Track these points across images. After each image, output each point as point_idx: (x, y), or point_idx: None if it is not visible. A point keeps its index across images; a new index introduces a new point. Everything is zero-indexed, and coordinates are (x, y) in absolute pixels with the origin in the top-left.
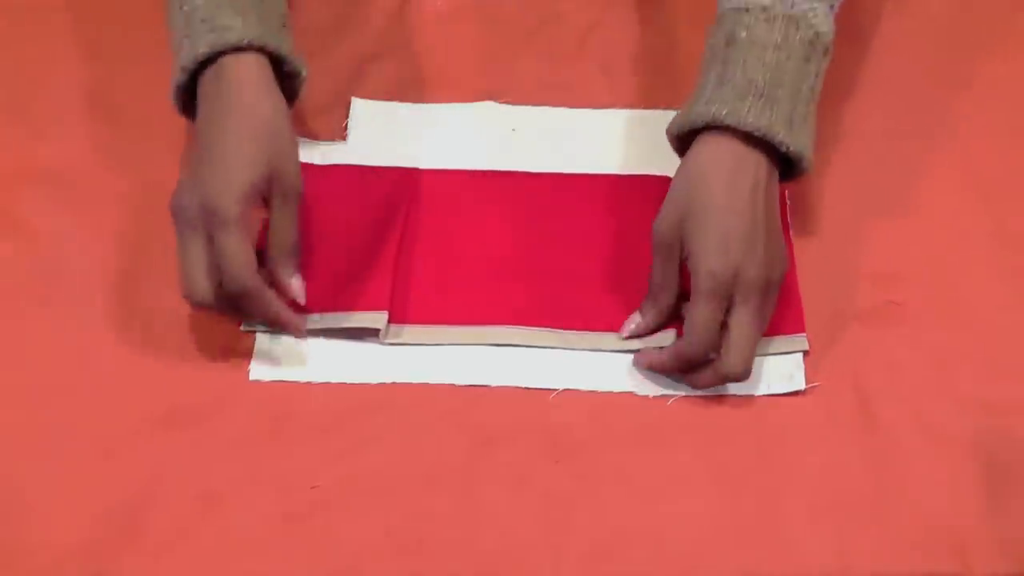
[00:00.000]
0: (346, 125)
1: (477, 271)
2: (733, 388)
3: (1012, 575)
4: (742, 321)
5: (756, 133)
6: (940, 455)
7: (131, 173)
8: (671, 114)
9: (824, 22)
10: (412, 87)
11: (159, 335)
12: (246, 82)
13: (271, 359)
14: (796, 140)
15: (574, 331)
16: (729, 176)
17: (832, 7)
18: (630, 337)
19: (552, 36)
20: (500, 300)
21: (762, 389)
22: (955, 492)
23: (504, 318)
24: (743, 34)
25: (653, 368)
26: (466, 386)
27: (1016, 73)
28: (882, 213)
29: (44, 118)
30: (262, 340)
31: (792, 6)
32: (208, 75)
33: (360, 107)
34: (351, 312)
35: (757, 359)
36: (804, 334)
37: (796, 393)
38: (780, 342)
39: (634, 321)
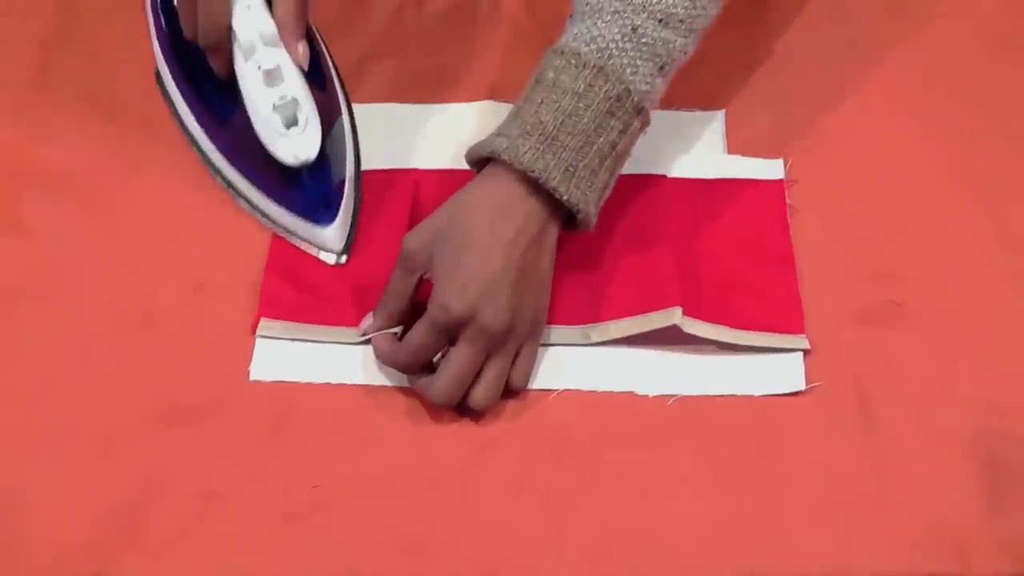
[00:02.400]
0: None
1: None
2: (733, 388)
3: (1012, 575)
4: (460, 357)
5: (529, 174)
6: (940, 455)
7: (131, 173)
8: (670, 114)
9: (642, 81)
10: (412, 87)
11: (159, 335)
12: None
13: (271, 359)
14: (573, 191)
15: (576, 326)
16: (493, 217)
17: (663, 69)
18: (364, 335)
19: (552, 36)
20: None
21: (762, 389)
22: (955, 492)
23: None
24: (550, 75)
25: (379, 352)
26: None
27: (1016, 74)
28: (882, 213)
29: (44, 118)
30: (262, 340)
31: (608, 58)
32: None
33: (359, 111)
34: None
35: (757, 359)
36: (804, 334)
37: (796, 393)
38: (780, 342)
39: (367, 321)
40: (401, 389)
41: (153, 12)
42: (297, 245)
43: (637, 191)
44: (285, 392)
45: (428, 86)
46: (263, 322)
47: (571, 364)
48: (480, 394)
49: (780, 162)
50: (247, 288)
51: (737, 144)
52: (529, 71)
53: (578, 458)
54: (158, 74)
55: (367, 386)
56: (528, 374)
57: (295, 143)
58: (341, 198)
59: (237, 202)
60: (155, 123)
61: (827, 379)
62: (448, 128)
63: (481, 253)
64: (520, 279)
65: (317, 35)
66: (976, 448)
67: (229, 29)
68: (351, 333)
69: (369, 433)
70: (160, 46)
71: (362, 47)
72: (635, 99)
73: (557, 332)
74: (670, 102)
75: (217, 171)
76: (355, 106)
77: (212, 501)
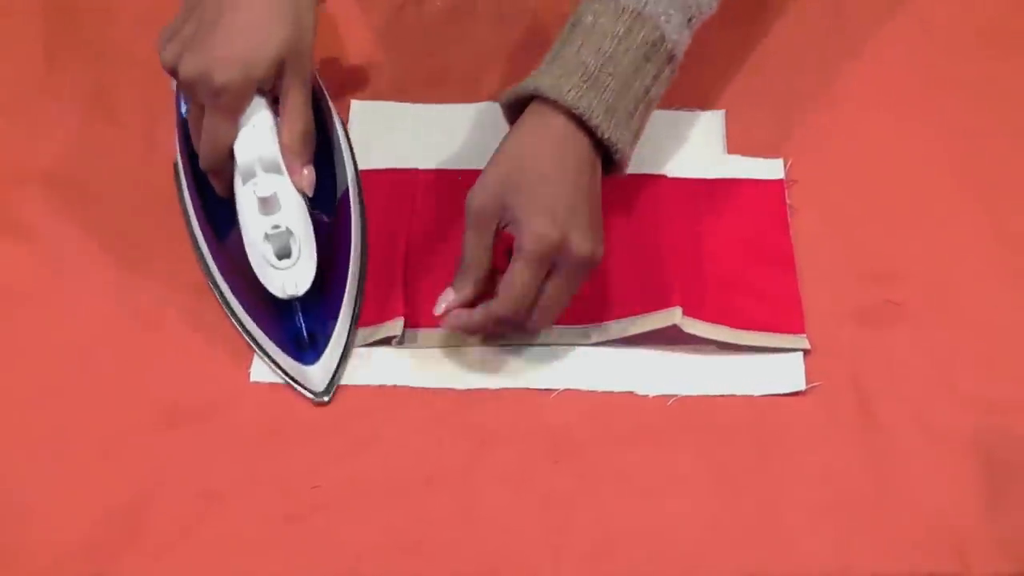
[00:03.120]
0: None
1: None
2: (733, 388)
3: (1012, 575)
4: (559, 287)
5: (574, 111)
6: (940, 455)
7: (131, 173)
8: (670, 114)
9: (675, 31)
10: (412, 87)
11: (159, 335)
12: None
13: None
14: (614, 130)
15: (576, 326)
16: (555, 149)
17: (691, 21)
18: (444, 313)
19: (552, 36)
20: None
21: (762, 389)
22: (955, 492)
23: None
24: (589, 19)
25: (464, 328)
26: (466, 387)
27: (1015, 73)
28: (882, 213)
29: (44, 118)
30: None
31: (645, 5)
32: None
33: (360, 108)
34: (371, 326)
35: (757, 359)
36: (804, 334)
37: (796, 393)
38: (780, 342)
39: (447, 297)
40: (401, 389)
41: (177, 106)
42: (280, 378)
43: (637, 191)
44: (285, 392)
45: (428, 86)
46: None
47: (571, 364)
48: (548, 315)
49: (780, 162)
50: None
51: (737, 144)
52: (529, 71)
53: (578, 458)
54: (176, 167)
55: (367, 386)
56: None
57: (285, 276)
58: (330, 337)
59: (230, 321)
60: (155, 123)
61: (827, 379)
62: (448, 128)
63: (556, 183)
64: (590, 205)
65: (332, 113)
66: (976, 448)
67: (230, 151)
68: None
69: (369, 433)
70: (180, 142)
71: (362, 47)
72: (668, 46)
73: (557, 332)
74: (670, 102)
75: (214, 284)
76: (355, 103)
77: (212, 501)
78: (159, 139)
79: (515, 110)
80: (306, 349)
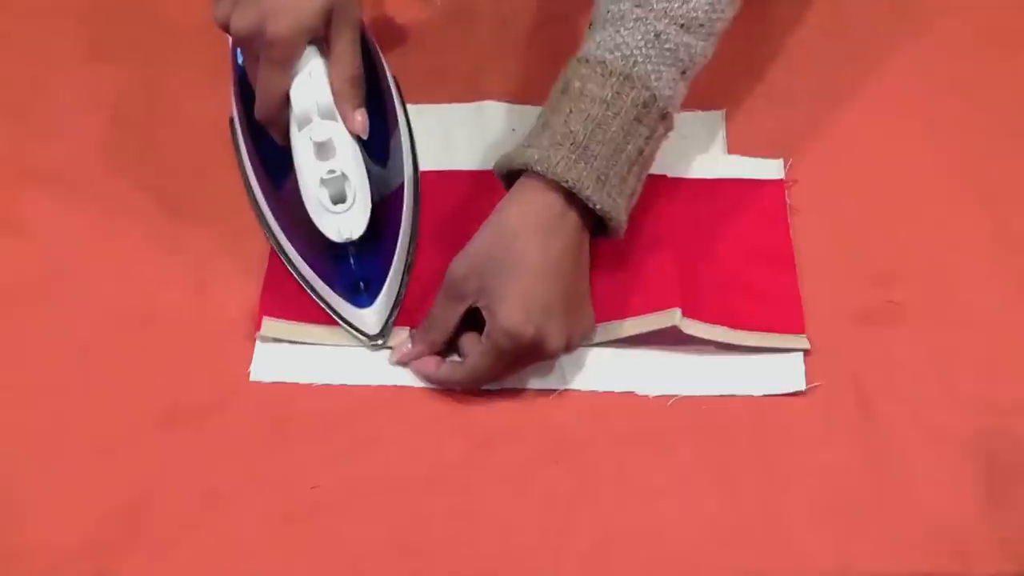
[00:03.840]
0: None
1: None
2: (733, 388)
3: (1012, 575)
4: (519, 367)
5: (564, 184)
6: (940, 455)
7: (131, 173)
8: None
9: (667, 87)
10: (412, 87)
11: (159, 335)
12: None
13: (271, 360)
14: (605, 199)
15: None
16: (540, 236)
17: (684, 74)
18: (401, 362)
19: (552, 36)
20: None
21: (762, 389)
22: (955, 492)
23: None
24: (576, 84)
25: (419, 374)
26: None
27: (1015, 74)
28: (882, 213)
29: (44, 118)
30: (263, 341)
31: (634, 65)
32: None
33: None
34: None
35: (757, 359)
36: (804, 334)
37: (796, 393)
38: (780, 342)
39: (405, 346)
40: (401, 389)
41: (233, 62)
42: (336, 321)
43: None
44: (285, 392)
45: (428, 86)
46: (265, 321)
47: (571, 364)
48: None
49: (780, 162)
50: (247, 288)
51: (737, 144)
52: (529, 71)
53: (578, 458)
54: (232, 122)
55: (367, 386)
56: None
57: (340, 220)
58: (385, 280)
59: (286, 268)
60: (155, 123)
61: (827, 379)
62: (448, 128)
63: (538, 276)
64: (569, 296)
65: (381, 59)
66: (976, 448)
67: (286, 100)
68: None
69: (369, 433)
70: (236, 97)
71: None
72: (660, 104)
73: None
74: None
75: (271, 233)
76: None
77: (212, 501)
78: (160, 139)
79: (510, 178)
80: (361, 293)
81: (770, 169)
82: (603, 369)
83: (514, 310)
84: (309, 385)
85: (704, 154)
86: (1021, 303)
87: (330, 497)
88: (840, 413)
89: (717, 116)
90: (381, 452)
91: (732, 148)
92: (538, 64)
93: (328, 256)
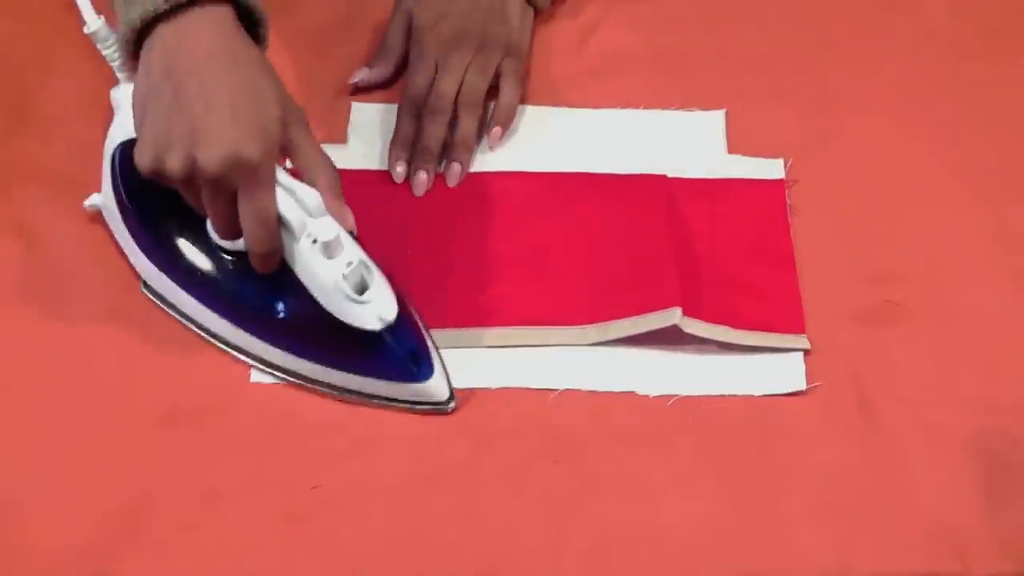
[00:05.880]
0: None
1: (479, 272)
2: (734, 388)
3: (1012, 575)
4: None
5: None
6: (940, 455)
7: None
8: (670, 114)
9: None
10: None
11: (159, 335)
12: (225, 28)
13: None
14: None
15: (576, 326)
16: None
17: None
18: (357, 82)
19: (552, 36)
20: (506, 301)
21: (762, 389)
22: (955, 492)
23: (512, 319)
24: None
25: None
26: (466, 387)
27: (1015, 74)
28: (882, 213)
29: (44, 118)
30: None
31: None
32: (169, 28)
33: (360, 111)
34: None
35: (758, 358)
36: (804, 334)
37: (796, 393)
38: (780, 342)
39: (361, 73)
40: None
41: (127, 220)
42: (397, 408)
43: (637, 191)
44: (285, 393)
45: None
46: None
47: (571, 364)
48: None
49: (780, 162)
50: None
51: (737, 144)
52: (529, 71)
53: (578, 458)
54: (150, 287)
55: None
56: None
57: (374, 307)
58: (425, 341)
59: (320, 391)
60: None
61: (827, 379)
62: None
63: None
64: None
65: None
66: (976, 448)
67: (279, 220)
68: None
69: (369, 433)
70: (146, 259)
71: (363, 48)
72: None
73: (557, 332)
74: (670, 102)
75: (278, 369)
76: (355, 104)
77: (213, 502)
78: None
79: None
80: (417, 368)
81: (770, 169)
82: (603, 369)
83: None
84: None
85: (704, 154)
86: (1021, 303)
87: (330, 497)
88: (840, 413)
89: (717, 116)
90: (381, 452)
91: (732, 148)
92: (537, 64)
93: (365, 352)
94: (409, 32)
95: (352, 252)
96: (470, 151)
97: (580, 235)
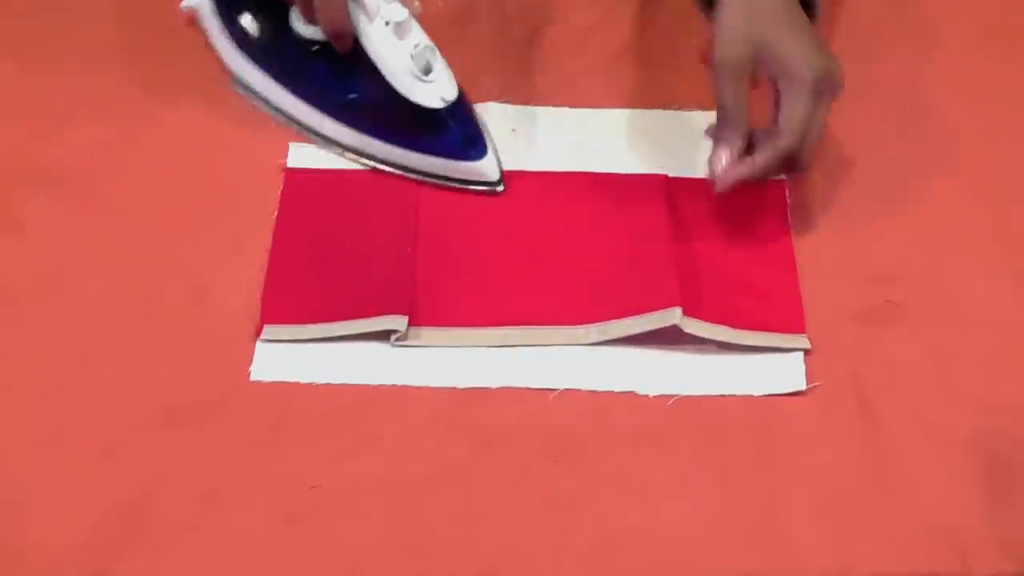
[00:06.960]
0: None
1: (479, 272)
2: (734, 388)
3: (1012, 575)
4: (823, 115)
5: None
6: (940, 455)
7: (131, 173)
8: (670, 114)
9: None
10: None
11: (159, 335)
12: None
13: (272, 360)
14: None
15: (576, 326)
16: None
17: None
18: (722, 172)
19: (552, 36)
20: (507, 300)
21: (762, 389)
22: (955, 492)
23: (512, 318)
24: None
25: (750, 175)
26: (466, 387)
27: (1016, 74)
28: (882, 213)
29: (44, 118)
30: (263, 341)
31: None
32: None
33: None
34: (371, 317)
35: (758, 358)
36: (804, 334)
37: (796, 393)
38: (781, 342)
39: (720, 157)
40: (401, 389)
41: (223, 19)
42: (449, 186)
43: (637, 191)
44: (285, 392)
45: None
46: (267, 328)
47: (571, 364)
48: (815, 146)
49: None
50: (248, 288)
51: None
52: (530, 71)
53: (578, 458)
54: (236, 84)
55: (366, 386)
56: None
57: (438, 87)
58: (481, 128)
59: (378, 168)
60: (155, 123)
61: (827, 379)
62: None
63: (797, 21)
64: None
65: None
66: (976, 448)
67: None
68: (354, 326)
69: (368, 433)
70: (238, 53)
71: None
72: None
73: (557, 332)
74: (670, 102)
75: (349, 149)
76: None
77: (213, 501)
78: (158, 139)
79: None
80: (472, 147)
81: None
82: (603, 369)
83: (804, 46)
84: (309, 385)
85: (704, 154)
86: (1021, 303)
87: (330, 497)
88: (840, 413)
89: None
90: (381, 452)
91: None
92: (538, 64)
93: (426, 130)
94: None
95: (419, 36)
96: None
97: (580, 235)
